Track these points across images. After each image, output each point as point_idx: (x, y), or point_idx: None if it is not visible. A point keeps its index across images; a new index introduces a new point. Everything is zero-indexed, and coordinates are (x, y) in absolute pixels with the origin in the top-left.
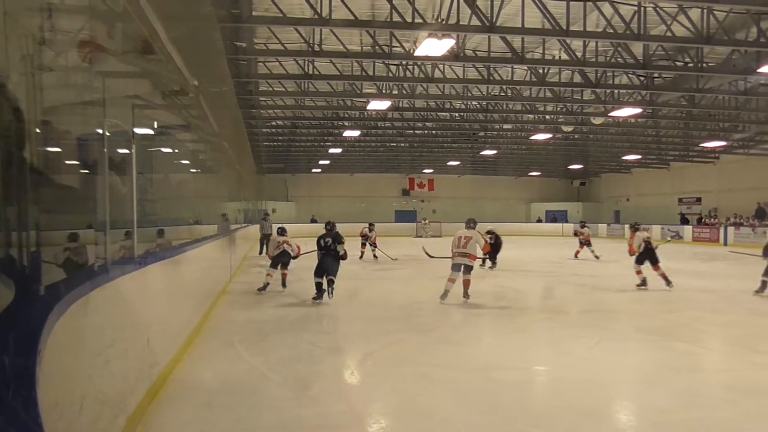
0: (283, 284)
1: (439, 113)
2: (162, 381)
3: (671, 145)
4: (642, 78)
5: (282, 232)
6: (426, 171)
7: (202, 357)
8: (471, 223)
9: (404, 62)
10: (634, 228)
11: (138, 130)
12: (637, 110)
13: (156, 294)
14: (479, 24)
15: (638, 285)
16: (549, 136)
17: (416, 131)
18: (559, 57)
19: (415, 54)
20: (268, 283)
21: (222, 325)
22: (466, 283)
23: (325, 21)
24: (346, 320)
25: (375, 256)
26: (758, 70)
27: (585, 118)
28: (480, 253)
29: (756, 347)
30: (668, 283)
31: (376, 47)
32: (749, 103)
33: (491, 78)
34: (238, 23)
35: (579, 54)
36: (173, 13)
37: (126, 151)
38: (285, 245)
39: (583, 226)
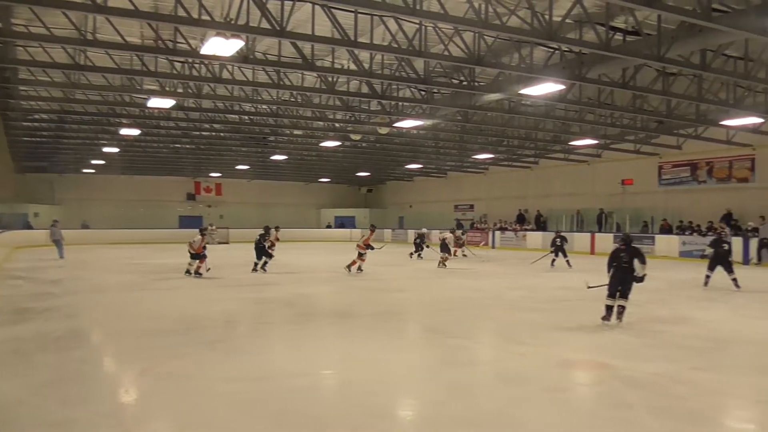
0: None
1: (227, 115)
2: None
3: (449, 156)
4: (423, 92)
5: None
6: (213, 175)
7: None
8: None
9: (190, 60)
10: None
11: None
12: (419, 122)
13: None
14: (269, 27)
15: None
16: (338, 143)
17: (203, 132)
18: (348, 67)
19: (201, 52)
20: None
21: None
22: None
23: (99, 7)
24: (119, 335)
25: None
26: (520, 92)
27: (372, 128)
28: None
29: (518, 339)
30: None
31: (159, 41)
32: (513, 121)
33: (281, 83)
34: None
35: (366, 65)
36: None
37: None
38: None
39: (463, 232)
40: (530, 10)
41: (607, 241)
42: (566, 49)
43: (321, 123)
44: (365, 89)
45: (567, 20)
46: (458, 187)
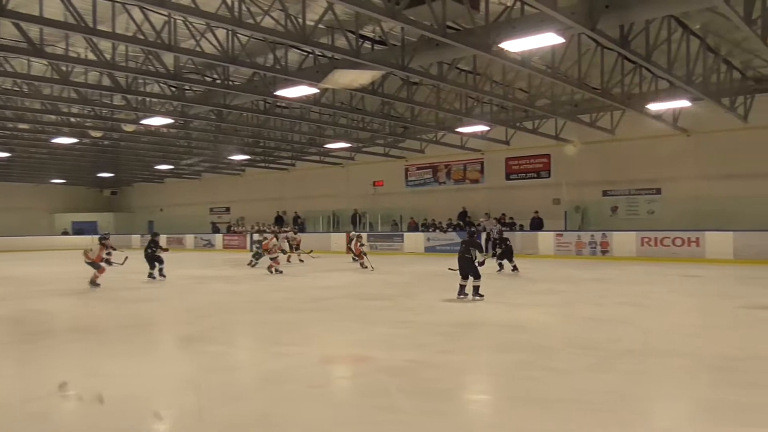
0: None
1: None
2: None
3: (202, 157)
4: (174, 89)
5: None
6: None
7: None
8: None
9: None
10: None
11: None
12: (169, 120)
13: None
14: None
15: None
16: (75, 140)
17: None
18: (86, 56)
19: None
20: None
21: None
22: None
23: None
24: None
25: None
26: (275, 93)
27: (115, 124)
28: None
29: (280, 340)
30: None
31: None
32: (269, 122)
33: (3, 69)
34: None
35: (108, 56)
36: None
37: None
38: None
39: (296, 232)
40: (284, 12)
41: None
42: (320, 54)
43: (53, 117)
44: (107, 82)
45: (320, 25)
46: (213, 189)
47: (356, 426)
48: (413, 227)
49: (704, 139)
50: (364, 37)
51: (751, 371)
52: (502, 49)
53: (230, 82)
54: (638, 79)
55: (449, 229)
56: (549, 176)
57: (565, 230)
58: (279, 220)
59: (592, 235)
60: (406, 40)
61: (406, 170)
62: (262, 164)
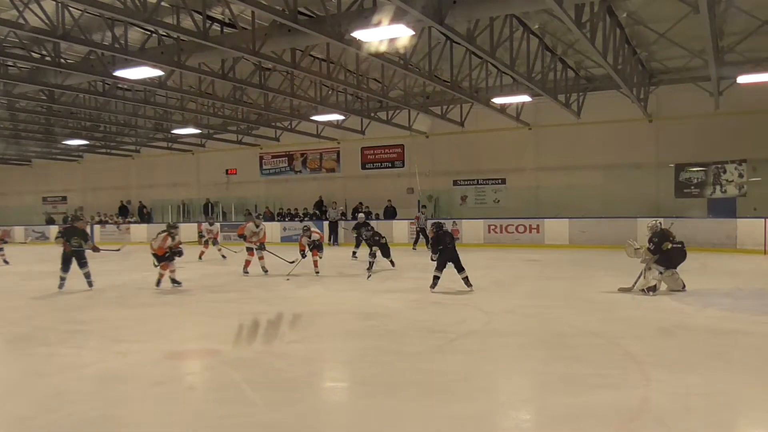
0: None
1: None
2: None
3: (33, 141)
4: None
5: None
6: None
7: None
8: None
9: None
10: None
11: None
12: None
13: None
14: None
15: None
16: None
17: None
18: None
19: None
20: None
21: None
22: None
23: None
24: None
25: None
26: (114, 74)
27: None
28: None
29: (121, 337)
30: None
31: None
32: (109, 105)
33: None
34: None
35: None
36: None
37: None
38: None
39: (212, 224)
40: None
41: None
42: (164, 34)
43: None
44: None
45: (163, 3)
46: (46, 176)
47: (197, 422)
48: (269, 217)
49: (543, 132)
50: (213, 19)
51: (577, 346)
52: (355, 39)
53: (62, 60)
54: (485, 74)
55: (306, 219)
56: (403, 166)
57: None
58: (123, 210)
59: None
60: (258, 24)
61: (261, 158)
62: (103, 150)
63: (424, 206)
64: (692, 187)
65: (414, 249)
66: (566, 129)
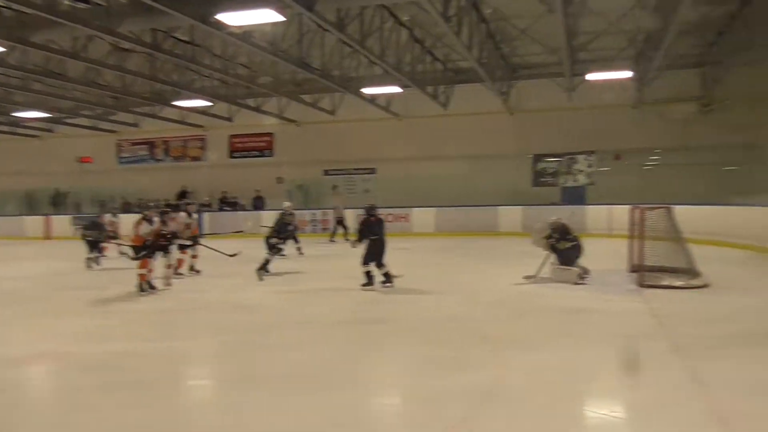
0: None
1: None
2: None
3: None
4: None
5: None
6: None
7: None
8: None
9: None
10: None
11: None
12: None
13: None
14: None
15: None
16: None
17: None
18: None
19: None
20: None
21: None
22: None
23: None
24: None
25: None
26: None
27: None
28: None
29: None
30: None
31: None
32: None
33: None
34: None
35: None
36: None
37: None
38: None
39: (115, 215)
40: None
41: (64, 224)
42: (3, 5)
43: None
44: None
45: None
46: None
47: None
48: (126, 209)
49: (412, 123)
50: None
51: (444, 330)
52: (220, 22)
53: None
54: (356, 64)
55: (170, 210)
56: (272, 155)
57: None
58: None
59: (314, 213)
60: (114, 1)
61: (119, 146)
62: None
63: (335, 186)
64: (548, 177)
65: (332, 241)
66: (434, 120)
